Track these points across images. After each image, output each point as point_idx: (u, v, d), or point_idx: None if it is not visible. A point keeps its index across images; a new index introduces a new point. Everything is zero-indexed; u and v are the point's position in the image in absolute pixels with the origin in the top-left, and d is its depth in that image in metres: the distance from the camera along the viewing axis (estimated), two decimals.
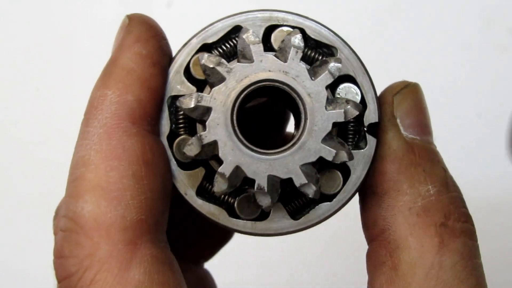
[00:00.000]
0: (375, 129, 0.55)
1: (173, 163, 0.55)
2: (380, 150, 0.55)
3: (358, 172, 0.55)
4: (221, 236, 0.78)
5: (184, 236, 0.67)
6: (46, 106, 1.23)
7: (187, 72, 0.55)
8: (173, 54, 0.57)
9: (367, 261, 0.55)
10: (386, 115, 0.55)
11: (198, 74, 0.55)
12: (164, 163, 0.54)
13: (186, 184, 0.55)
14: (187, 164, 0.55)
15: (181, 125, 0.56)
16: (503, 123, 1.17)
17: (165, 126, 0.55)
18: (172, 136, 0.55)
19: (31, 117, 1.23)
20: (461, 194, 0.54)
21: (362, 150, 0.55)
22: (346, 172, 0.55)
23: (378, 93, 0.57)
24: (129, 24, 0.55)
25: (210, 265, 0.79)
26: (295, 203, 0.56)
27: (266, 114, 0.74)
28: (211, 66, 0.52)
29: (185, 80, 0.55)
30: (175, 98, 0.55)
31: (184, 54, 0.55)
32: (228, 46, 0.56)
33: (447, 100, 1.15)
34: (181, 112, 0.55)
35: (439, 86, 1.17)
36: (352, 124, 0.56)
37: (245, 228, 0.55)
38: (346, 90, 0.55)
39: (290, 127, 0.76)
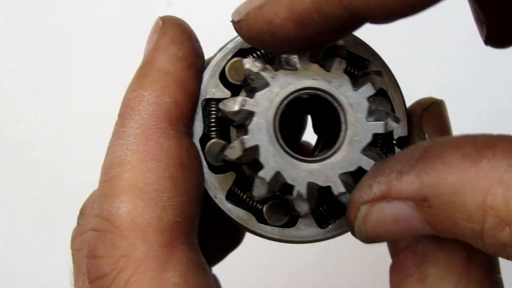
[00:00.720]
0: (404, 143, 0.56)
1: (204, 166, 0.55)
2: None
3: None
4: (231, 241, 0.77)
5: None
6: (46, 106, 1.23)
7: (222, 76, 0.56)
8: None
9: (391, 274, 0.55)
10: (416, 129, 0.56)
11: (233, 78, 0.56)
12: (198, 166, 0.54)
13: (216, 187, 0.55)
14: (218, 168, 0.56)
15: (213, 129, 0.56)
16: (503, 123, 1.17)
17: (198, 128, 0.55)
18: (204, 139, 0.56)
19: (31, 117, 1.23)
20: None
21: None
22: None
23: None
24: (163, 26, 0.55)
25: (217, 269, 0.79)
26: (323, 212, 0.57)
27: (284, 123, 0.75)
28: (256, 70, 0.52)
29: (220, 84, 0.56)
30: (209, 101, 0.56)
31: (220, 58, 0.56)
32: (264, 51, 0.56)
33: (446, 100, 1.15)
34: (214, 116, 0.56)
35: (439, 86, 1.17)
36: (380, 136, 0.57)
37: (273, 234, 0.56)
38: (377, 103, 0.56)
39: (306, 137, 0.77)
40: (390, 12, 0.45)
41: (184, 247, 0.50)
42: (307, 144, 0.77)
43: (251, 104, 0.52)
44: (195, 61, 0.55)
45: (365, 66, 0.56)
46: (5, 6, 1.25)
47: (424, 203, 0.45)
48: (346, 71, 0.54)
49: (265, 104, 0.52)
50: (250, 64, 0.52)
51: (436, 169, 0.45)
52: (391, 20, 0.47)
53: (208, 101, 0.56)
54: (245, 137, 0.52)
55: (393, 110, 0.56)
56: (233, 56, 0.56)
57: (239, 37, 0.55)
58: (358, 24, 0.48)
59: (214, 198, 0.56)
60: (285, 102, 0.52)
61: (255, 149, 0.52)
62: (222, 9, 1.27)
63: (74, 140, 1.22)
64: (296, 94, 0.53)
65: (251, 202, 0.56)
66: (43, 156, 1.22)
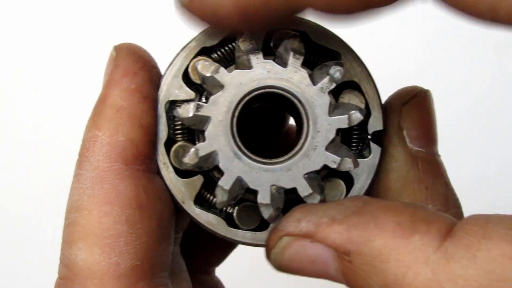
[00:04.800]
0: (380, 137, 0.54)
1: (170, 171, 0.53)
2: (385, 163, 0.54)
3: (361, 181, 0.54)
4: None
5: (189, 247, 0.65)
6: (46, 106, 1.23)
7: (186, 77, 0.54)
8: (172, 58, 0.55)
9: None
10: (393, 126, 0.54)
11: (197, 78, 0.53)
12: (160, 203, 0.52)
13: (183, 192, 0.54)
14: (185, 172, 0.54)
15: (179, 131, 0.54)
16: (503, 123, 1.17)
17: (163, 132, 0.53)
18: (169, 143, 0.54)
19: (31, 117, 1.23)
20: (460, 209, 0.54)
21: (366, 159, 0.54)
22: (349, 181, 0.54)
23: (383, 99, 0.55)
24: (116, 57, 0.53)
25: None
26: None
27: (265, 116, 0.73)
28: (208, 74, 0.50)
29: (184, 85, 0.53)
30: (173, 103, 0.54)
31: (182, 58, 0.54)
32: (228, 49, 0.54)
33: (446, 100, 1.15)
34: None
35: (438, 87, 1.17)
36: (356, 131, 0.54)
37: (244, 239, 0.54)
38: (350, 97, 0.54)
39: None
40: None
41: None
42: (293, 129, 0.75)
43: (206, 109, 0.50)
44: (151, 91, 0.53)
45: (335, 59, 0.54)
46: (5, 6, 1.25)
47: (345, 256, 0.45)
48: (310, 65, 0.52)
49: (220, 108, 0.50)
50: (201, 67, 0.50)
51: (368, 229, 0.45)
52: (333, 12, 0.44)
53: (172, 103, 0.53)
54: (201, 143, 0.50)
55: (366, 104, 0.53)
56: (196, 55, 0.54)
57: (200, 36, 0.54)
58: (295, 6, 0.45)
59: (181, 204, 0.54)
60: (242, 104, 0.50)
61: (213, 155, 0.50)
62: None
63: (74, 140, 1.22)
64: (252, 94, 0.50)
65: None
66: (43, 156, 1.22)
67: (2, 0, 1.25)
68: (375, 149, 0.54)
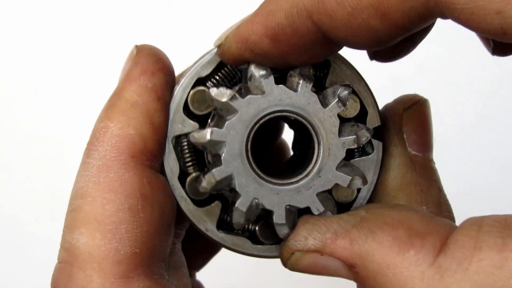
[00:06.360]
0: (379, 132, 0.56)
1: (189, 203, 0.55)
2: (385, 162, 0.57)
3: (369, 177, 0.56)
4: (212, 245, 0.76)
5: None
6: (46, 106, 1.23)
7: (186, 109, 0.55)
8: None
9: None
10: (395, 128, 0.57)
11: (197, 110, 0.55)
12: (163, 196, 0.54)
13: (205, 220, 0.56)
14: (202, 201, 0.56)
15: (190, 164, 0.56)
16: (503, 123, 1.17)
17: (174, 167, 0.55)
18: (183, 176, 0.55)
19: (31, 117, 1.23)
20: (452, 213, 0.56)
21: (370, 156, 0.56)
22: None
23: (385, 99, 0.58)
24: (137, 55, 0.55)
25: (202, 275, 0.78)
26: None
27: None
28: (224, 100, 0.51)
29: (186, 118, 0.55)
30: (179, 137, 0.55)
31: (180, 92, 0.55)
32: (221, 75, 0.56)
33: (446, 100, 1.15)
34: (187, 151, 0.56)
35: (438, 86, 1.17)
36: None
37: (271, 253, 0.56)
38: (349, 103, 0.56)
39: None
40: (356, 36, 0.46)
41: (143, 277, 0.51)
42: (283, 143, 0.78)
43: (221, 134, 0.52)
44: (165, 93, 0.54)
45: (327, 66, 0.56)
46: (5, 6, 1.25)
47: (352, 268, 0.48)
48: (314, 82, 0.54)
49: (235, 132, 0.52)
50: (215, 93, 0.52)
51: (367, 243, 0.47)
52: (360, 46, 0.49)
53: (178, 137, 0.55)
54: (218, 168, 0.52)
55: (361, 102, 0.56)
56: (192, 87, 0.55)
57: (194, 68, 0.55)
58: (332, 45, 0.49)
59: (205, 232, 0.56)
60: (256, 127, 0.52)
61: (229, 178, 0.52)
62: (221, 7, 1.27)
63: (74, 140, 1.22)
64: (266, 118, 0.52)
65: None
66: (43, 156, 1.22)
67: (2, 0, 1.25)
68: (377, 144, 0.56)
